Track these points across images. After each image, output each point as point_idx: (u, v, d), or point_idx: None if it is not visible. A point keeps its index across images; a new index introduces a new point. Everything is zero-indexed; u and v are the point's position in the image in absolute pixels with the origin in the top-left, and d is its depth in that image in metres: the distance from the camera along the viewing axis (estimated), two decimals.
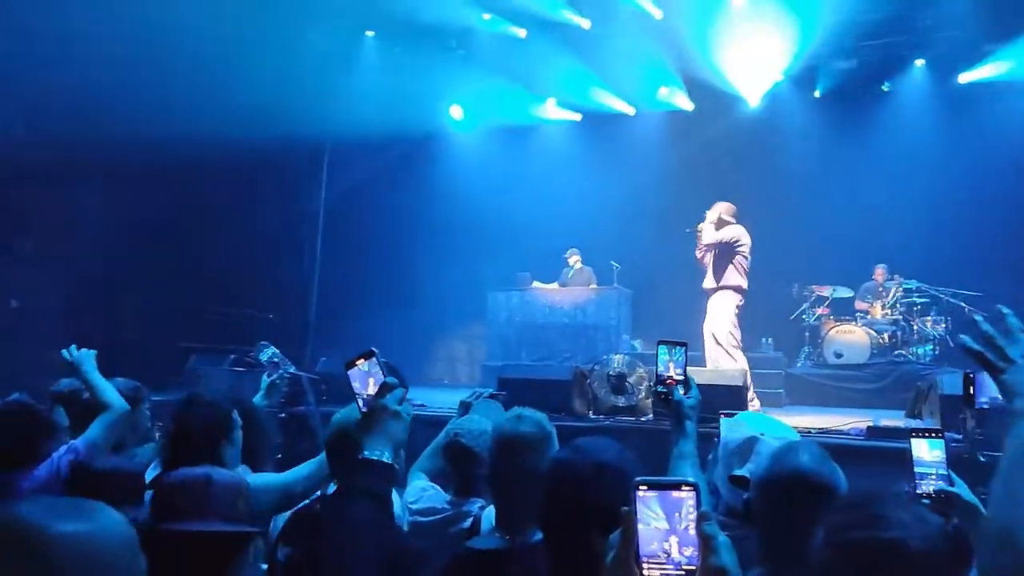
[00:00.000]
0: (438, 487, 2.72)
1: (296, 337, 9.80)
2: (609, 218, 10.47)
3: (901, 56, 10.28)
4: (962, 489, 1.80)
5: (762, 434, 2.12)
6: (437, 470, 2.84)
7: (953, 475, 1.82)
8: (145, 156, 7.04)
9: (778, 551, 1.55)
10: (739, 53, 10.42)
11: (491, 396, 3.13)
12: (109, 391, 2.93)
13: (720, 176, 10.87)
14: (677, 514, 0.97)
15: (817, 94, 10.78)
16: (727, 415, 2.43)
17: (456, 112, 12.04)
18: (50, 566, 0.90)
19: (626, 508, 0.97)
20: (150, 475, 2.63)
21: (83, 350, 3.02)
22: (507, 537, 1.86)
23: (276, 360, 5.67)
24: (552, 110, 12.04)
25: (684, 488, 0.98)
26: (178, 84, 7.51)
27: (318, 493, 2.48)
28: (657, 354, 2.15)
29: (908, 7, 9.52)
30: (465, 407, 3.05)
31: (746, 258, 6.69)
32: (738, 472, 2.04)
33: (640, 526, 0.97)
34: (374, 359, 1.74)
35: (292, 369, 5.82)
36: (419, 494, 2.65)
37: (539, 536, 1.75)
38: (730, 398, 4.75)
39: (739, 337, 6.67)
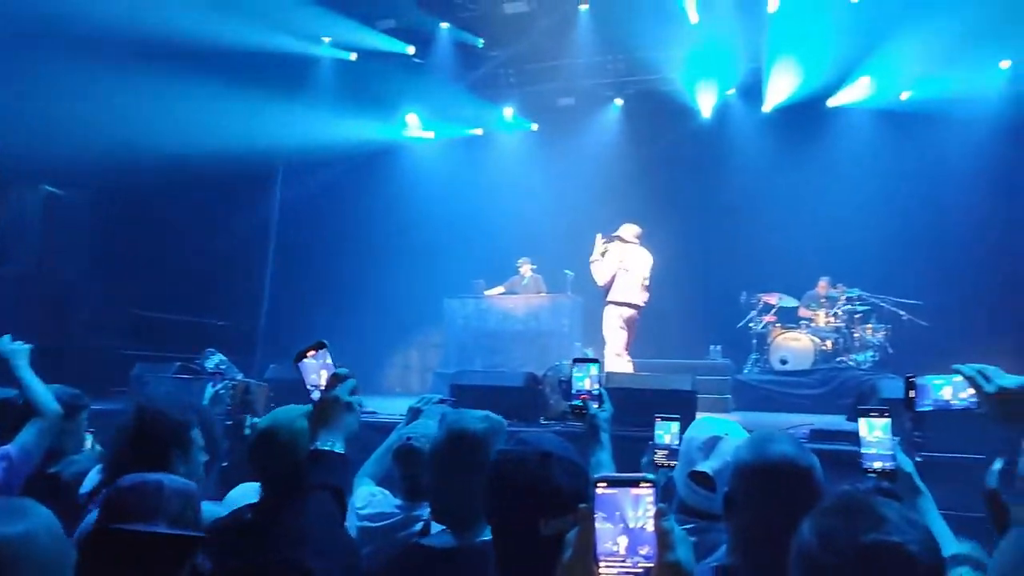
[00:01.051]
0: (387, 492, 2.72)
1: (246, 345, 9.66)
2: (563, 226, 10.57)
3: (847, 73, 10.67)
4: (904, 463, 1.86)
5: (726, 434, 2.17)
6: (384, 474, 2.83)
7: (897, 451, 1.87)
8: (91, 163, 6.92)
9: (755, 539, 1.56)
10: (692, 65, 10.69)
11: (440, 402, 3.13)
12: (41, 392, 2.82)
13: (672, 186, 11.12)
14: (636, 511, 0.96)
15: (765, 108, 11.09)
16: (663, 419, 2.50)
17: (412, 120, 12.08)
18: None
19: (584, 505, 0.97)
20: (90, 482, 2.58)
21: (17, 343, 2.89)
22: (458, 536, 1.88)
23: (222, 368, 5.61)
24: (508, 119, 12.17)
25: (643, 485, 0.97)
26: (128, 89, 7.42)
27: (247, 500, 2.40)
28: (572, 371, 2.28)
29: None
30: (414, 413, 3.01)
31: (627, 271, 7.43)
32: (700, 468, 2.09)
33: (598, 524, 0.96)
34: (325, 351, 1.77)
35: (239, 376, 5.76)
36: (368, 499, 2.62)
37: (488, 536, 1.78)
38: (678, 403, 4.85)
39: (623, 344, 7.52)
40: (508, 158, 12.19)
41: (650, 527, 0.95)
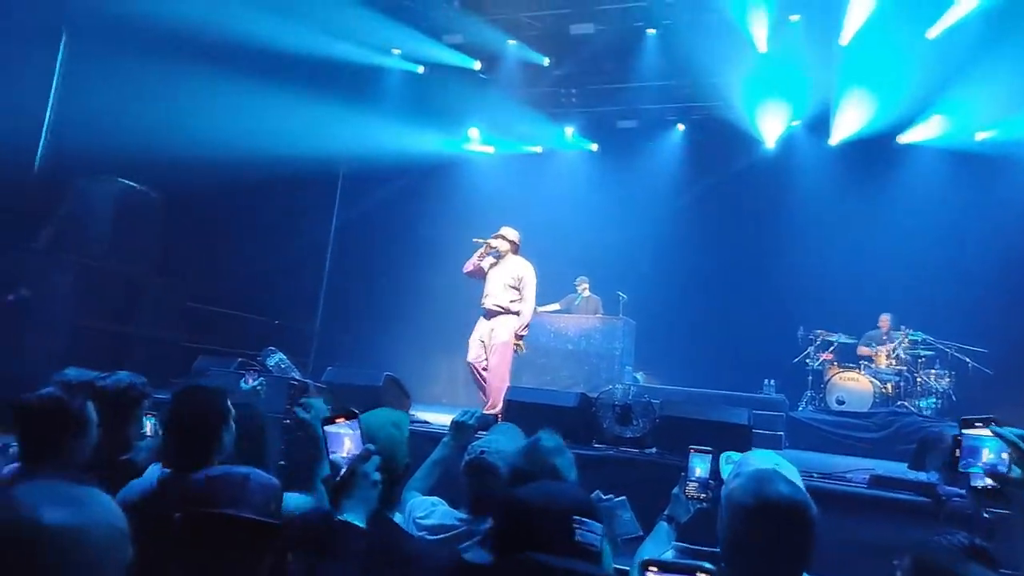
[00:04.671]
0: (443, 502, 2.70)
1: (301, 345, 9.86)
2: (619, 249, 10.53)
3: (919, 110, 10.40)
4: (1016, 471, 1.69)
5: (776, 465, 2.11)
6: (429, 489, 2.83)
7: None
8: (166, 163, 7.18)
9: None
10: (758, 94, 10.57)
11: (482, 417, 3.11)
12: None
13: (732, 215, 10.97)
14: None
15: (832, 142, 10.88)
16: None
17: (474, 135, 12.21)
18: (35, 557, 0.89)
19: None
20: (154, 469, 2.63)
21: None
22: (496, 553, 1.86)
23: (283, 366, 5.69)
24: (569, 138, 12.21)
25: (700, 575, 0.91)
26: (202, 93, 7.69)
27: (314, 504, 2.42)
28: (690, 461, 2.37)
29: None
30: (457, 427, 3.00)
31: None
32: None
33: None
34: (356, 421, 1.80)
35: (298, 376, 5.85)
36: (428, 509, 2.60)
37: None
38: (734, 436, 4.75)
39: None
40: (566, 177, 12.21)
41: None
